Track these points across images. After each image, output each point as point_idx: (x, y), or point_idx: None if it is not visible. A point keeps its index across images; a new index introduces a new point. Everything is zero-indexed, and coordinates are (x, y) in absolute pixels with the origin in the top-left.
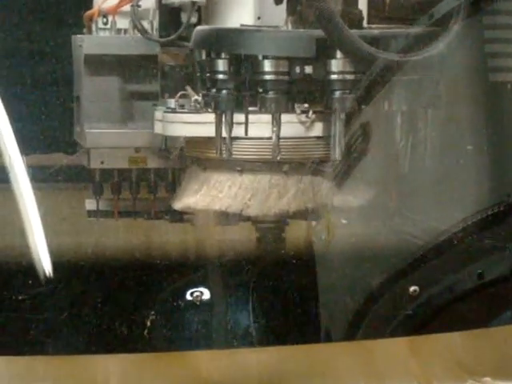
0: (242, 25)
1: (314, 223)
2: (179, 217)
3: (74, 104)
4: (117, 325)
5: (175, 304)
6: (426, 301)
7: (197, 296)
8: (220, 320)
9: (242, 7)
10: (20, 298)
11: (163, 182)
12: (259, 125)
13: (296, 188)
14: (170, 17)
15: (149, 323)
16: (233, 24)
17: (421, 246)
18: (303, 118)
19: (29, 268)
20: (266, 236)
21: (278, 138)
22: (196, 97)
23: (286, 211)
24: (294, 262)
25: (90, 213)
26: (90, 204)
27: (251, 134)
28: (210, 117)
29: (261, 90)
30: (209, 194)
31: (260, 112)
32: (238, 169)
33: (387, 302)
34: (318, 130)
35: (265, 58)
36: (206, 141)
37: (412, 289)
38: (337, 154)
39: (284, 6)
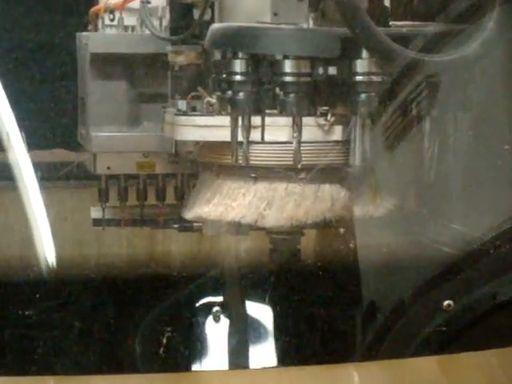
0: (258, 22)
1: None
2: (188, 226)
3: (78, 105)
4: (126, 343)
5: (188, 321)
6: (459, 315)
7: (215, 312)
8: (234, 338)
9: (258, 3)
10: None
11: (172, 188)
12: (276, 128)
13: (314, 196)
14: (181, 14)
15: (164, 341)
16: (248, 21)
17: (454, 256)
18: (322, 120)
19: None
20: (281, 248)
21: (300, 143)
22: (209, 98)
23: (303, 221)
24: (313, 274)
25: (96, 221)
26: (96, 212)
27: (267, 138)
28: (224, 120)
29: (281, 92)
30: (222, 203)
31: (280, 115)
32: (253, 175)
33: (417, 317)
34: (337, 134)
35: (286, 57)
36: (219, 145)
37: (446, 303)
38: (357, 160)
39: (304, 1)
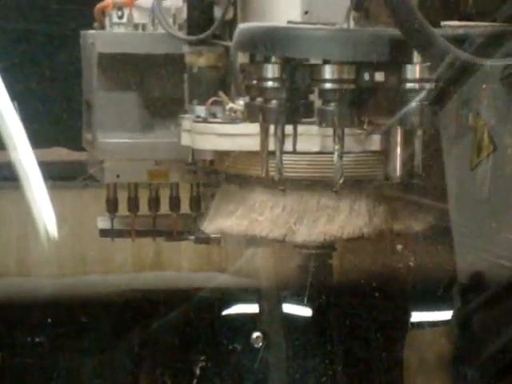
0: (289, 21)
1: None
2: (205, 238)
3: (83, 107)
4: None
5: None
6: None
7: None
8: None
9: (287, 1)
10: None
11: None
12: (308, 138)
13: (349, 210)
14: (200, 12)
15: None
16: (276, 20)
17: None
18: (358, 129)
19: None
20: (312, 263)
21: (341, 157)
22: (231, 104)
23: (337, 237)
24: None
25: (103, 232)
26: (103, 222)
27: (298, 147)
28: (250, 127)
29: (320, 100)
30: (246, 217)
31: (320, 126)
32: (281, 187)
33: None
34: (375, 144)
35: (326, 62)
36: (243, 155)
37: None
38: (397, 171)
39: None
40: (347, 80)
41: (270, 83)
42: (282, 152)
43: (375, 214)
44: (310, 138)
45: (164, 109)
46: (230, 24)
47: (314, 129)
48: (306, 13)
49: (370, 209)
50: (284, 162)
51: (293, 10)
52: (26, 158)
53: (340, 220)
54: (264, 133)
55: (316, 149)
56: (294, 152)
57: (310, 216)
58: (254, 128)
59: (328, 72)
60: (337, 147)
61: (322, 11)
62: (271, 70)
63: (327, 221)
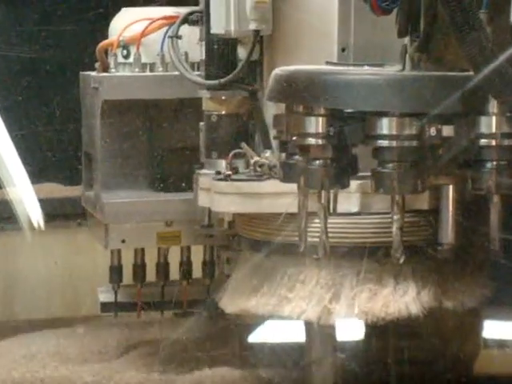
0: (327, 62)
1: None
2: (220, 312)
3: (83, 161)
4: None
5: None
6: None
7: None
8: None
9: (322, 37)
10: None
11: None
12: (345, 196)
13: (394, 283)
14: (221, 52)
15: None
16: (311, 59)
17: None
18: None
19: None
20: None
21: (401, 229)
22: (257, 158)
23: (381, 317)
24: None
25: (105, 306)
26: (104, 294)
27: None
28: (281, 186)
29: (375, 161)
30: (274, 294)
31: (376, 191)
32: (315, 256)
33: None
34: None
35: (384, 114)
36: (270, 218)
37: None
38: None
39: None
40: (409, 136)
41: (313, 140)
42: (326, 220)
43: (425, 288)
44: (348, 196)
45: (176, 163)
46: (255, 66)
47: (353, 184)
48: (344, 50)
49: (420, 279)
50: (315, 224)
51: (328, 46)
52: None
53: (383, 297)
54: (303, 197)
55: (355, 209)
56: (336, 214)
57: (348, 292)
58: (286, 186)
59: (386, 126)
60: (396, 217)
61: (363, 49)
62: (315, 124)
63: (369, 297)
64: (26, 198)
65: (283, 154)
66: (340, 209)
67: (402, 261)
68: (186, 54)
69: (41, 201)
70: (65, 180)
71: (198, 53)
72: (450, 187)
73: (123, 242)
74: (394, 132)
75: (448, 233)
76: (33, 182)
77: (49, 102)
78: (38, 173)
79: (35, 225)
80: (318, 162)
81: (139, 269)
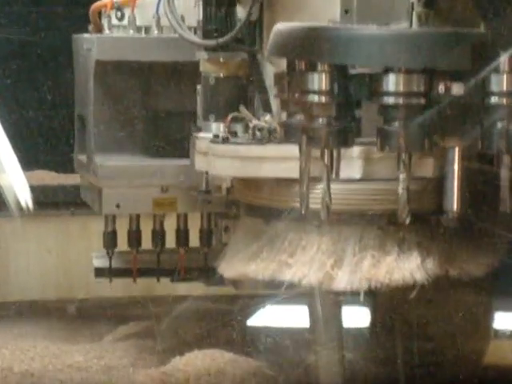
0: (330, 21)
1: None
2: (219, 280)
3: (75, 124)
4: None
5: None
6: None
7: None
8: None
9: None
10: None
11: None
12: (348, 162)
13: (397, 251)
14: (219, 12)
15: None
16: (313, 20)
17: None
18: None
19: None
20: None
21: (408, 190)
22: (256, 121)
23: (384, 284)
24: None
25: (99, 271)
26: (99, 260)
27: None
28: (281, 150)
29: (381, 118)
30: (274, 259)
31: (381, 150)
32: (316, 223)
33: None
34: (426, 169)
35: (390, 71)
36: (270, 183)
37: None
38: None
39: None
40: (417, 93)
41: (316, 97)
42: (329, 181)
43: (429, 255)
44: (350, 162)
45: (172, 126)
46: (255, 26)
47: (355, 150)
48: (347, 12)
49: (423, 248)
50: (317, 190)
51: (331, 7)
52: None
53: (387, 263)
54: (305, 158)
55: (358, 175)
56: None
57: (351, 258)
58: (286, 150)
59: (392, 83)
60: (402, 176)
61: (367, 11)
62: (318, 81)
63: (372, 264)
64: (17, 185)
65: (284, 114)
66: (342, 175)
67: (407, 222)
68: (183, 17)
69: (32, 188)
70: (57, 167)
71: (195, 17)
72: (457, 150)
73: (117, 206)
74: (401, 89)
75: (453, 200)
76: (24, 169)
77: (40, 87)
78: (29, 159)
79: (25, 210)
80: (320, 120)
81: (134, 235)
